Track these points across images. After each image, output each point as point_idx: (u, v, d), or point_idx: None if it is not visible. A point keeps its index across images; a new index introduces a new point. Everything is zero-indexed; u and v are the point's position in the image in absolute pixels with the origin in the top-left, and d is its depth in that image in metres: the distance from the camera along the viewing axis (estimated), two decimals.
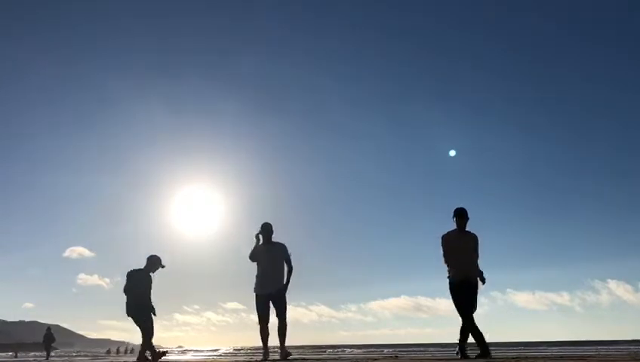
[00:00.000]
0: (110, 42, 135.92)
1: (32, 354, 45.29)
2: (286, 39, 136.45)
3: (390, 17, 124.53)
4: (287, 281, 6.60)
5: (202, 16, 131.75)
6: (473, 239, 5.96)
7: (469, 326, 5.76)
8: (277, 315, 6.56)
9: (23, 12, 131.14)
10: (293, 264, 6.63)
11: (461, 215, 5.92)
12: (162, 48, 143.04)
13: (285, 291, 6.58)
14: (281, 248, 6.66)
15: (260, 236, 6.69)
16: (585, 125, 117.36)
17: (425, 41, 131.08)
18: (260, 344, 6.69)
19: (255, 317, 6.59)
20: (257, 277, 6.65)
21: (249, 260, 6.77)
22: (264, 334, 6.57)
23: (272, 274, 6.57)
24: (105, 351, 54.81)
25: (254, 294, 6.62)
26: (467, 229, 5.99)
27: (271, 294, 6.52)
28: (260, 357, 6.69)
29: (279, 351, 6.55)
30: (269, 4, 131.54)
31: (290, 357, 6.52)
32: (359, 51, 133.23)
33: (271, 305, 6.58)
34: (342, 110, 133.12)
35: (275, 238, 6.77)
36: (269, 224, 6.72)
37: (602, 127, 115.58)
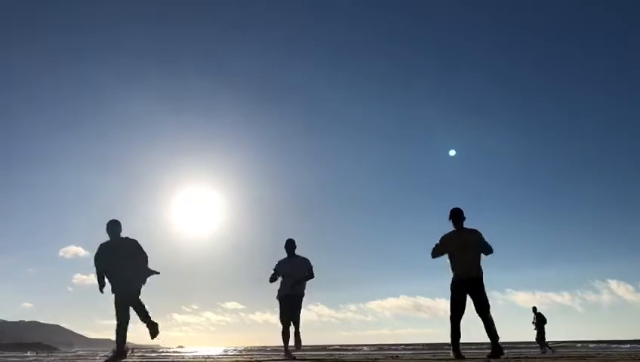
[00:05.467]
0: (110, 43, 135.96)
1: (30, 353, 45.29)
2: (286, 41, 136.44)
3: (390, 17, 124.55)
4: (305, 280, 7.09)
5: (202, 17, 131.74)
6: (473, 235, 5.96)
7: (486, 323, 5.80)
8: (292, 322, 7.08)
9: (23, 14, 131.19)
10: (314, 274, 7.13)
11: (455, 216, 5.98)
12: (162, 49, 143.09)
13: (302, 293, 7.09)
14: (303, 261, 7.14)
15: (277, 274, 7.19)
16: (585, 125, 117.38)
17: (425, 40, 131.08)
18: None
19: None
20: (281, 284, 7.17)
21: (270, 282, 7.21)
22: (285, 336, 7.12)
23: (293, 282, 7.03)
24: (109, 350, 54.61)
25: (278, 301, 7.13)
26: (467, 227, 6.02)
27: (288, 296, 7.02)
28: (277, 357, 7.05)
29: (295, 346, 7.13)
30: (268, 4, 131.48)
31: (297, 358, 6.95)
32: (358, 52, 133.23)
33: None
34: (342, 111, 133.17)
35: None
36: (292, 240, 7.21)
37: (602, 127, 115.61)
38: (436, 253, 6.11)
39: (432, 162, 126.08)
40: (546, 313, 17.35)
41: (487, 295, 5.93)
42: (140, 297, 6.31)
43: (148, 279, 6.36)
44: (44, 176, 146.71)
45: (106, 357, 6.60)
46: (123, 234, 6.37)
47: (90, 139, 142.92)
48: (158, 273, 6.34)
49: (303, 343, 7.10)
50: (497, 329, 5.81)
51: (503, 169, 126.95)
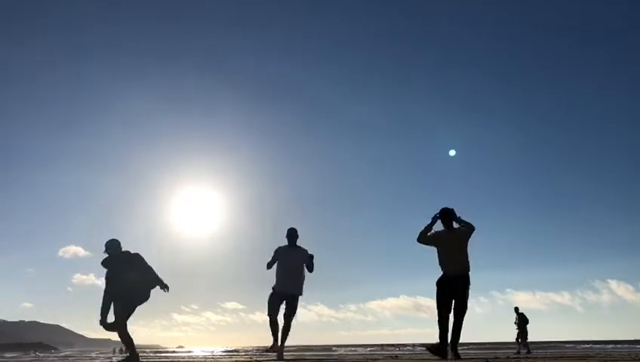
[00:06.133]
0: (110, 43, 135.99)
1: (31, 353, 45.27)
2: (285, 39, 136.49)
3: (389, 15, 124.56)
4: (310, 265, 6.84)
5: (201, 15, 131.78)
6: (461, 234, 6.05)
7: (457, 326, 5.85)
8: (284, 316, 6.77)
9: (23, 14, 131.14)
10: (314, 268, 6.87)
11: (445, 216, 6.07)
12: (161, 49, 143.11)
13: (301, 292, 6.84)
14: (304, 253, 6.87)
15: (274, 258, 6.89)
16: (585, 126, 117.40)
17: (425, 40, 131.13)
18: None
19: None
20: (278, 276, 6.85)
21: (267, 269, 6.91)
22: (274, 327, 6.73)
23: (292, 275, 6.78)
24: (110, 350, 54.56)
25: (272, 290, 6.80)
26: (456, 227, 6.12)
27: (286, 294, 6.74)
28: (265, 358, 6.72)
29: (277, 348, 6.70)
30: (268, 1, 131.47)
31: (291, 358, 6.63)
32: (358, 51, 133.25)
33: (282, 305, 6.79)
34: (342, 111, 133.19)
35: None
36: (295, 229, 6.94)
37: (603, 127, 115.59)
38: (423, 238, 6.13)
39: (432, 160, 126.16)
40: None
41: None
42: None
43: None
44: (43, 176, 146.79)
45: (106, 358, 6.55)
46: (124, 249, 6.34)
47: (89, 139, 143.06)
48: (166, 286, 6.21)
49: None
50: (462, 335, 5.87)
51: (503, 169, 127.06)
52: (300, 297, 6.85)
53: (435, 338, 5.93)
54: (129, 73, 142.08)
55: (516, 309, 17.27)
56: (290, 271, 6.79)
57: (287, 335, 6.74)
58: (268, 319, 6.76)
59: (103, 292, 6.19)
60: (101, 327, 6.18)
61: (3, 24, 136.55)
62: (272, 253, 6.92)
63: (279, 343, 6.68)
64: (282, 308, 6.81)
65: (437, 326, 5.91)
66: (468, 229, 6.01)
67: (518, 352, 16.29)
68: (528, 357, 7.31)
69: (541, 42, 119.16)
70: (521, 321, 17.09)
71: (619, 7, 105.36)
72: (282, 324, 6.77)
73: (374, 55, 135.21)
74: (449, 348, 5.82)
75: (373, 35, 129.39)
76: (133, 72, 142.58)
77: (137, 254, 6.30)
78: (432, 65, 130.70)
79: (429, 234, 6.13)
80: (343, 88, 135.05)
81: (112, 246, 6.27)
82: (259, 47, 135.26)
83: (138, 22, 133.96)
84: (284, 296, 6.76)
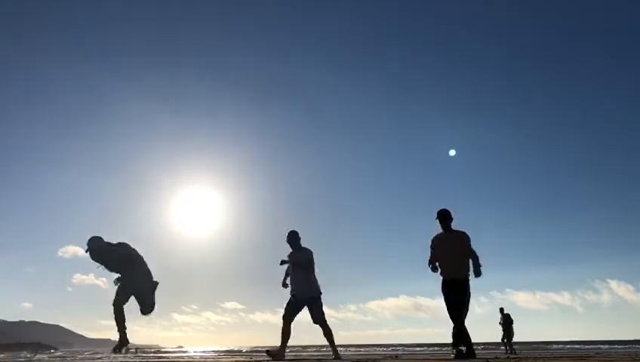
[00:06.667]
0: (109, 42, 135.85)
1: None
2: (286, 38, 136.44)
3: (390, 17, 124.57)
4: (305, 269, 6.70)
5: (201, 16, 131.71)
6: (461, 238, 6.00)
7: (457, 329, 5.79)
8: (316, 322, 6.61)
9: (22, 12, 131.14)
10: (314, 268, 6.73)
11: (442, 217, 6.04)
12: (161, 48, 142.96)
13: (318, 292, 6.68)
14: (306, 254, 6.73)
15: (286, 260, 6.77)
16: (584, 126, 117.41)
17: (425, 40, 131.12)
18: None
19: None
20: (291, 282, 6.76)
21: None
22: (285, 334, 6.60)
23: (304, 279, 6.65)
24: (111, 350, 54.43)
25: (289, 296, 6.70)
26: (456, 229, 6.06)
27: (303, 299, 6.62)
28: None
29: (332, 353, 6.62)
30: (268, 2, 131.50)
31: (289, 357, 6.61)
32: (359, 51, 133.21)
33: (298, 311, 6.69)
34: (342, 110, 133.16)
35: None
36: (295, 231, 6.79)
37: (602, 127, 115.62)
38: (433, 262, 6.08)
39: (432, 160, 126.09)
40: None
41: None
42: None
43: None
44: (43, 176, 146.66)
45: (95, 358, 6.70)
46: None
47: (89, 138, 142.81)
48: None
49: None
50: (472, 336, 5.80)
51: (503, 169, 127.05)
52: (321, 296, 6.68)
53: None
54: (129, 73, 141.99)
55: (501, 310, 17.46)
56: (296, 270, 6.65)
57: (332, 338, 6.64)
58: (282, 325, 6.66)
59: (119, 291, 6.57)
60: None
61: (3, 23, 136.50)
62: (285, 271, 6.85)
63: (331, 348, 6.62)
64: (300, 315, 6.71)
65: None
66: (473, 259, 5.93)
67: (512, 352, 16.43)
68: (528, 358, 7.30)
69: (541, 42, 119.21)
70: (506, 322, 17.23)
71: (619, 7, 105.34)
72: (322, 331, 6.66)
73: (374, 55, 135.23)
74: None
75: (373, 35, 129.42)
76: (133, 72, 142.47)
77: (125, 262, 6.43)
78: (432, 65, 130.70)
79: (432, 250, 6.09)
80: (344, 89, 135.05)
81: (93, 242, 6.39)
82: (259, 46, 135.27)
83: (138, 22, 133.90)
84: (303, 302, 6.63)
